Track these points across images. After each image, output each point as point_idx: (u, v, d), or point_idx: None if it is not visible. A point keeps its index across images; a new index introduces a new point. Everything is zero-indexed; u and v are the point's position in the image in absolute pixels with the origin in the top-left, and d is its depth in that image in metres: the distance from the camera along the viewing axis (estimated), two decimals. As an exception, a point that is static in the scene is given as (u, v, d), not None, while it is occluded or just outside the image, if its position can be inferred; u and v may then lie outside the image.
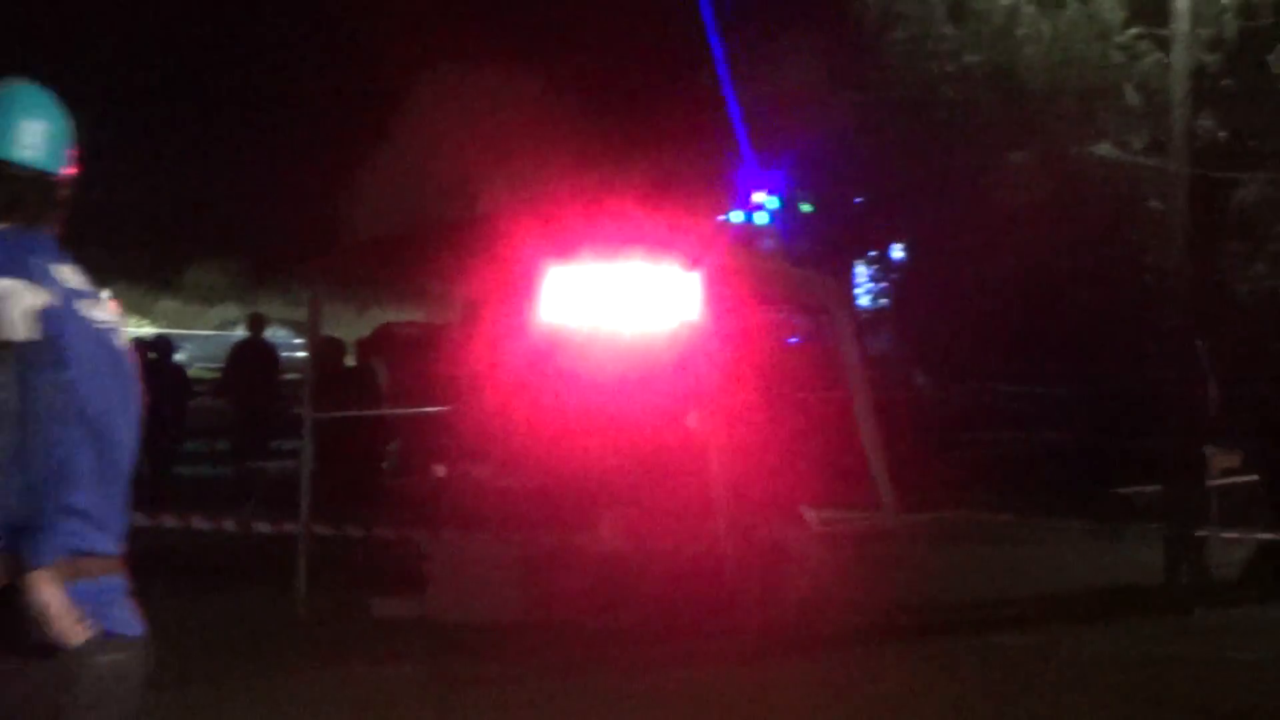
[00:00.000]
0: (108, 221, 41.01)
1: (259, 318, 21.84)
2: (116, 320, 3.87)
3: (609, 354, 12.83)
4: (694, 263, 12.49)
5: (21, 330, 3.64)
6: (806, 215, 31.05)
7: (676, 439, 12.92)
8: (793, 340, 18.40)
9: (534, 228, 12.26)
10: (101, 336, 3.79)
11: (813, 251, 30.75)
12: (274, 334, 37.89)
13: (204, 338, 43.46)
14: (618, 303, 12.80)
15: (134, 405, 3.83)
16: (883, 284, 32.32)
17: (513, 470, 13.39)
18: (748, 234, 27.24)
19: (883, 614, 12.61)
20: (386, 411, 15.65)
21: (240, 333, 21.88)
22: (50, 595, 3.60)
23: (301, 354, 21.81)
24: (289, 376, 22.93)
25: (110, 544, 3.76)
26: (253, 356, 20.59)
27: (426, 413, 14.44)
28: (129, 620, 3.84)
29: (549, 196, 13.72)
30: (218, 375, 21.77)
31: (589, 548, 12.44)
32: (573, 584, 12.30)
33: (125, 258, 44.48)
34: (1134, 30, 25.57)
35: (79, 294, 3.79)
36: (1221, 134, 24.46)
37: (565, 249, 12.49)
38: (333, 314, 17.13)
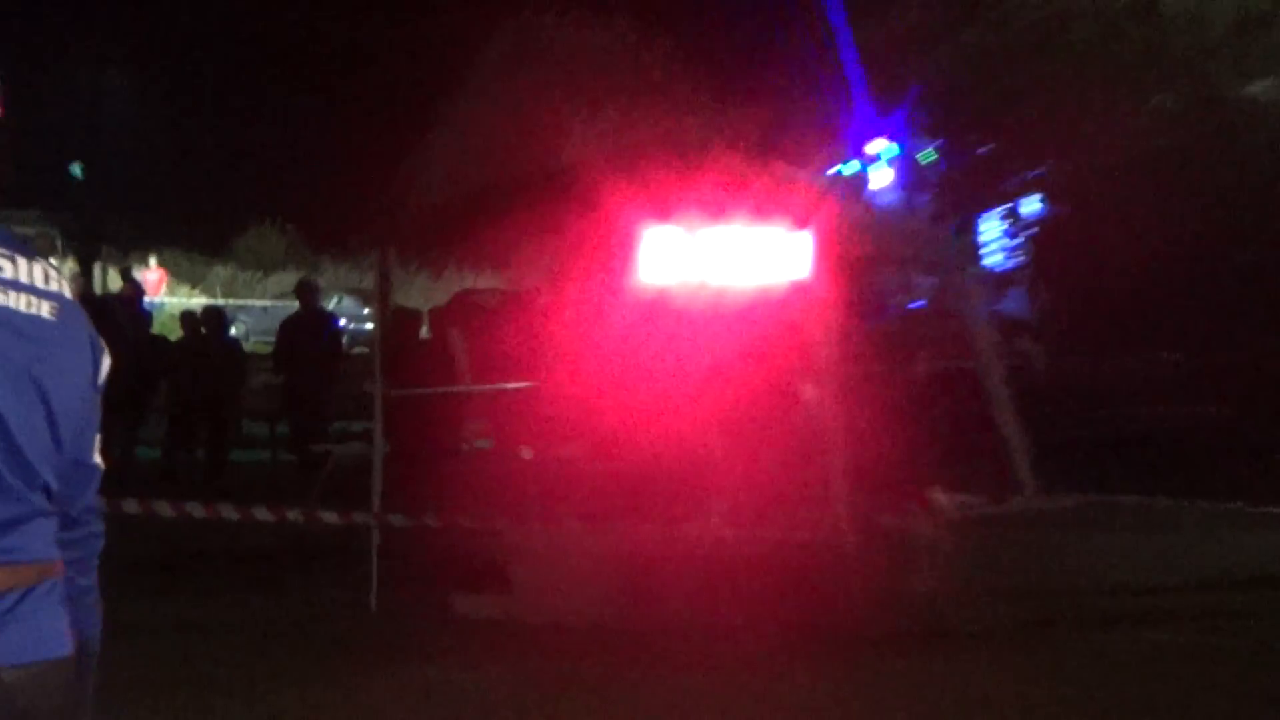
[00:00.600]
0: (155, 184, 41.27)
1: (309, 286, 21.60)
2: (25, 281, 3.62)
3: (712, 322, 12.75)
4: (804, 221, 12.41)
5: None
6: (928, 166, 30.84)
7: (789, 416, 12.82)
8: (915, 304, 18.23)
9: (627, 185, 12.20)
10: None
11: (936, 205, 30.54)
12: (339, 304, 38.09)
13: (261, 309, 43.64)
14: (721, 266, 12.69)
15: (44, 383, 3.60)
16: (1015, 241, 32.03)
17: (608, 452, 13.34)
18: (863, 187, 27.06)
19: (1021, 608, 12.45)
20: (466, 388, 15.61)
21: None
22: None
23: (369, 326, 21.81)
24: (356, 351, 22.98)
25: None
26: (306, 329, 20.52)
27: (511, 389, 14.39)
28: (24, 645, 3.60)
29: (643, 151, 13.63)
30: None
31: (694, 539, 12.34)
32: (677, 579, 12.20)
33: (175, 222, 44.70)
34: (1294, -47, 25.24)
35: None
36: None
37: (662, 208, 12.41)
38: (404, 281, 17.10)
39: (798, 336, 12.69)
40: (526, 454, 14.25)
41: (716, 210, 12.35)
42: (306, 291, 21.32)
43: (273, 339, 23.06)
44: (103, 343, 3.74)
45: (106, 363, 3.73)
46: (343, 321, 27.46)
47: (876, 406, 12.57)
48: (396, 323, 15.38)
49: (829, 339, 12.54)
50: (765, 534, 12.32)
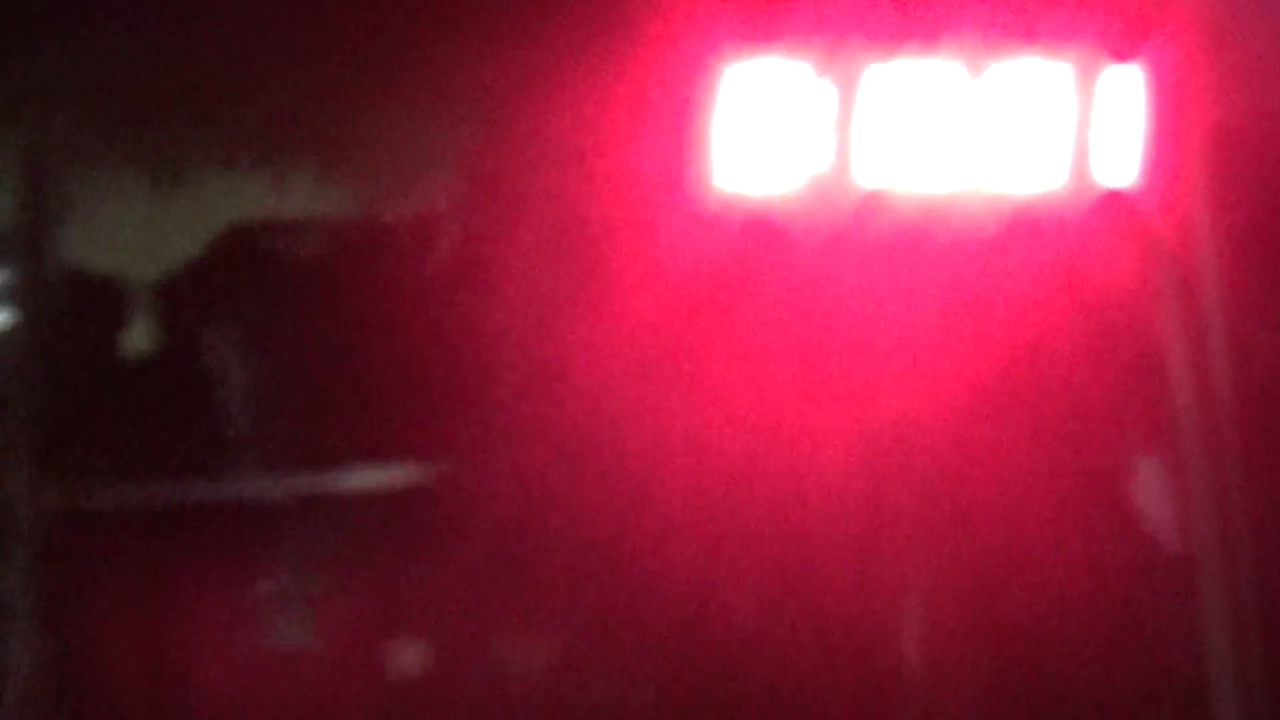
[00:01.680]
0: None
1: None
2: None
3: (895, 304, 13.05)
4: (1128, 44, 12.71)
5: None
6: None
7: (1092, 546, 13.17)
8: None
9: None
10: None
11: None
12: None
13: None
14: (915, 159, 12.99)
15: None
16: None
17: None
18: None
19: None
20: (238, 486, 15.96)
21: None
22: None
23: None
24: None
25: None
26: None
27: (365, 492, 14.67)
28: None
29: None
30: None
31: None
32: None
33: None
34: None
35: None
36: None
37: (764, 20, 12.72)
38: (88, 204, 17.51)
39: (1116, 332, 12.98)
40: (405, 660, 14.56)
41: (920, 27, 12.66)
42: None
43: None
44: None
45: None
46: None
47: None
48: (69, 317, 15.63)
49: (1202, 341, 12.82)
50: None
